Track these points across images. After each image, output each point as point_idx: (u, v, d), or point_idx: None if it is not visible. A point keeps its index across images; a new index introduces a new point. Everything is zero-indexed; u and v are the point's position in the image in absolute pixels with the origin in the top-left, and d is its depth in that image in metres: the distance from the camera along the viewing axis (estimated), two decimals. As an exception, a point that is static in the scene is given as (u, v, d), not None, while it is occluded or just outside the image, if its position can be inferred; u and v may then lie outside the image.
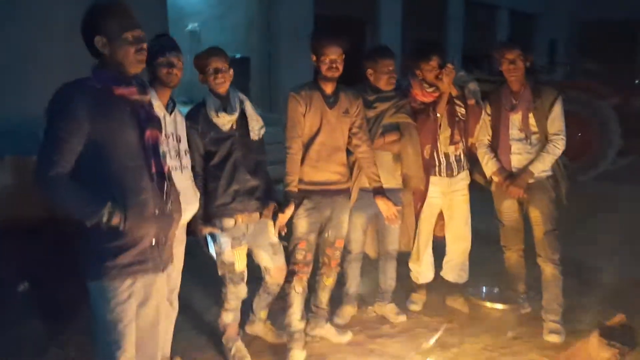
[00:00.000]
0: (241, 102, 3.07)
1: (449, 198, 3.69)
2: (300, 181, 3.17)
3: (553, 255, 3.44)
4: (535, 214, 3.49)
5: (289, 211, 3.10)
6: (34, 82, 5.15)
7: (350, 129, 3.27)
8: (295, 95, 3.14)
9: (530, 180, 3.43)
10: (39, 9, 6.16)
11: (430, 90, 3.55)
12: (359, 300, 3.74)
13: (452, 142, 3.58)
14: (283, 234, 3.16)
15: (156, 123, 2.19)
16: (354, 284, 3.65)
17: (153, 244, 2.14)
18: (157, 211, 2.12)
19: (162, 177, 2.15)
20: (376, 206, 3.39)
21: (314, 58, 3.14)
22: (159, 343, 2.40)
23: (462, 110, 3.57)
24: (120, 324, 2.09)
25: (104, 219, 1.98)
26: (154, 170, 2.11)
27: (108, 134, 2.03)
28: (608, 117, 8.24)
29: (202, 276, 3.74)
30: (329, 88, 3.18)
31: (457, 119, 3.57)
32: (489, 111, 3.61)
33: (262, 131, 3.12)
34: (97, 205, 1.98)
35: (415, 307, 3.84)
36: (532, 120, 3.44)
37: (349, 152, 3.34)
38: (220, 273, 3.06)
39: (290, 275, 3.19)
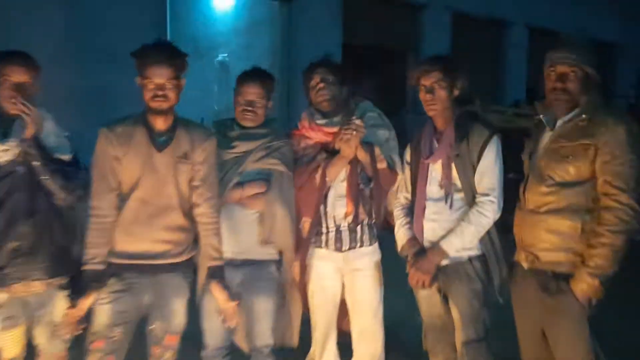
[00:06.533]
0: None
1: (349, 279, 2.65)
2: (110, 253, 2.30)
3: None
4: (454, 312, 2.39)
5: (88, 301, 2.23)
6: None
7: (190, 181, 2.36)
8: (106, 131, 2.29)
9: (444, 262, 2.35)
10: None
11: (321, 122, 2.59)
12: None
13: (348, 214, 2.56)
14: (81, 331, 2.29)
15: None
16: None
17: None
18: None
19: None
20: (244, 282, 2.51)
21: (139, 81, 2.29)
22: None
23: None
24: None
25: None
26: None
27: None
28: None
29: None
30: (159, 123, 2.31)
31: (361, 188, 2.55)
32: (408, 158, 2.59)
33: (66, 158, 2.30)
34: None
35: None
36: (455, 171, 2.38)
37: None
38: None
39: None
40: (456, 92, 2.40)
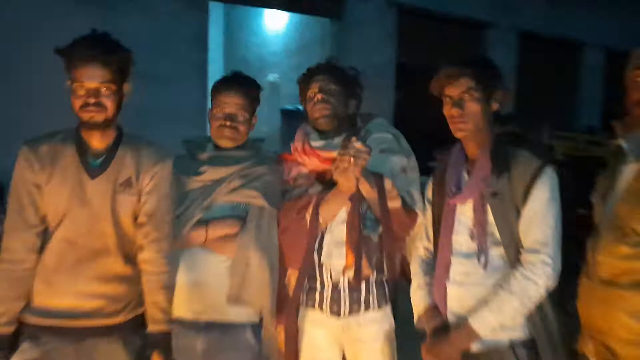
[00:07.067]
0: None
1: (352, 352, 1.99)
2: (25, 309, 1.75)
3: None
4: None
5: None
6: None
7: (135, 216, 1.80)
8: (27, 151, 1.77)
9: (474, 347, 1.65)
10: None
11: (317, 144, 1.98)
12: None
13: (347, 268, 1.92)
14: None
15: None
16: None
17: None
18: None
19: None
20: (209, 351, 1.92)
21: (68, 85, 1.77)
22: None
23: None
24: None
25: None
26: None
27: None
28: None
29: None
30: (95, 140, 1.77)
31: (365, 235, 1.91)
32: (430, 195, 1.92)
33: None
34: None
35: None
36: (490, 216, 1.69)
37: None
38: None
39: None
40: (495, 106, 1.74)
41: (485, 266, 1.68)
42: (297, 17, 10.21)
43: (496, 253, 1.68)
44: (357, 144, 1.73)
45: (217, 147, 2.03)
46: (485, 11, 10.04)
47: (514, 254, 1.66)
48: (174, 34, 6.62)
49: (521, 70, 10.68)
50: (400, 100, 9.18)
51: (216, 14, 10.41)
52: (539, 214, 1.62)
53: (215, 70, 8.55)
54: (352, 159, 1.71)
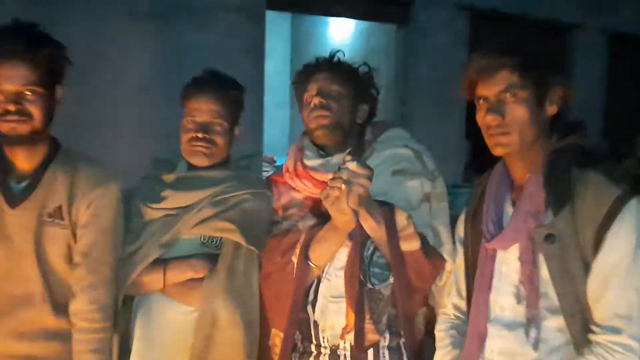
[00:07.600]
0: None
1: None
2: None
3: None
4: None
5: None
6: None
7: (70, 256, 1.41)
8: None
9: None
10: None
11: (312, 164, 1.50)
12: None
13: (346, 331, 1.42)
14: None
15: None
16: None
17: None
18: None
19: None
20: None
21: None
22: None
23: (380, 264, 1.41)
24: None
25: None
26: None
27: None
28: None
29: None
30: (20, 159, 1.41)
31: (369, 287, 1.40)
32: (462, 233, 1.39)
33: None
34: None
35: None
36: (545, 270, 1.14)
37: None
38: None
39: None
40: (551, 110, 1.19)
41: (536, 344, 1.14)
42: (362, 25, 9.82)
43: (553, 325, 1.13)
44: (352, 165, 1.23)
45: (191, 167, 1.60)
46: (570, 12, 9.15)
47: (581, 329, 1.11)
48: (231, 46, 6.35)
49: (612, 76, 9.67)
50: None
51: (283, 27, 10.20)
52: (619, 271, 1.06)
53: (283, 83, 8.29)
54: (341, 187, 1.22)
